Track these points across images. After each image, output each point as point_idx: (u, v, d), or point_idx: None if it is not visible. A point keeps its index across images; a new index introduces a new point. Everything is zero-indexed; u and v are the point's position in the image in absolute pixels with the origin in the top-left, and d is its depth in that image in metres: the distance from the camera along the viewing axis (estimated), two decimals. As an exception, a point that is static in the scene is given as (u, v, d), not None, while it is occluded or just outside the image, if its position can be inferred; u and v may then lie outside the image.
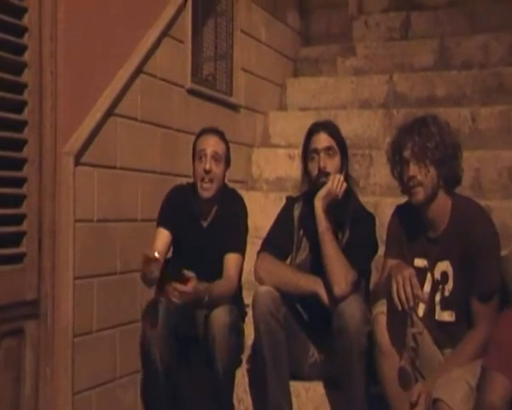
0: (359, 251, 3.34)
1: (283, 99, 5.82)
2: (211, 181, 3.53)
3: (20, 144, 3.04)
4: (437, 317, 3.08)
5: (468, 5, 6.16)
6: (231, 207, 3.66)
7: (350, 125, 4.98)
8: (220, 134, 3.65)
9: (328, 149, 3.39)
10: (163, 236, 3.59)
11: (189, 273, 3.22)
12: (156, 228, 3.62)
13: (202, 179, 3.53)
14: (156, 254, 3.13)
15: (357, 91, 5.64)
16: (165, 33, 4.01)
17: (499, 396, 2.66)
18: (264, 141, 5.46)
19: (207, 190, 3.54)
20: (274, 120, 5.54)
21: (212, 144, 3.56)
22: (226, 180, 3.72)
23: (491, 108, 5.05)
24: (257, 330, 3.32)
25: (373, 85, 5.62)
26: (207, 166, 3.51)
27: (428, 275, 3.11)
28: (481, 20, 5.94)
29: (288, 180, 4.98)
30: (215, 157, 3.54)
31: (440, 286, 3.08)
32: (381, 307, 2.97)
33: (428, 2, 6.41)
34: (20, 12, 3.04)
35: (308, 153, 3.45)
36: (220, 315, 3.30)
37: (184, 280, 3.19)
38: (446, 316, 3.07)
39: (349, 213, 3.43)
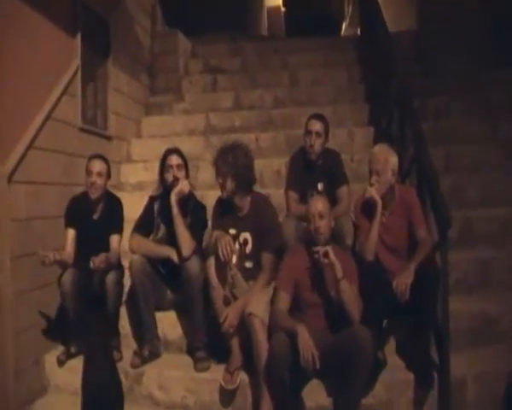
0: (197, 228, 3.44)
1: (139, 130, 5.71)
2: (96, 189, 3.49)
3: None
4: (243, 264, 3.26)
5: (250, 72, 6.37)
6: (112, 205, 3.62)
7: (182, 147, 4.77)
8: (103, 158, 3.58)
9: (178, 165, 3.50)
10: (71, 234, 3.52)
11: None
12: (65, 229, 3.52)
13: (90, 188, 3.49)
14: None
15: (186, 124, 5.64)
16: (64, 92, 3.90)
17: (283, 304, 2.94)
18: (128, 158, 5.36)
19: (93, 194, 3.50)
20: (134, 144, 5.43)
21: (96, 166, 3.50)
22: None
23: (267, 133, 5.29)
24: (133, 282, 3.37)
25: (196, 121, 5.64)
26: (92, 180, 3.48)
27: (237, 240, 3.26)
28: (259, 80, 6.18)
29: (144, 183, 4.92)
30: (99, 174, 3.50)
31: (244, 247, 3.27)
32: (211, 260, 3.14)
33: (228, 69, 6.51)
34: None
35: (165, 167, 3.51)
36: (111, 276, 3.34)
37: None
38: (248, 264, 3.28)
39: (190, 205, 3.51)
